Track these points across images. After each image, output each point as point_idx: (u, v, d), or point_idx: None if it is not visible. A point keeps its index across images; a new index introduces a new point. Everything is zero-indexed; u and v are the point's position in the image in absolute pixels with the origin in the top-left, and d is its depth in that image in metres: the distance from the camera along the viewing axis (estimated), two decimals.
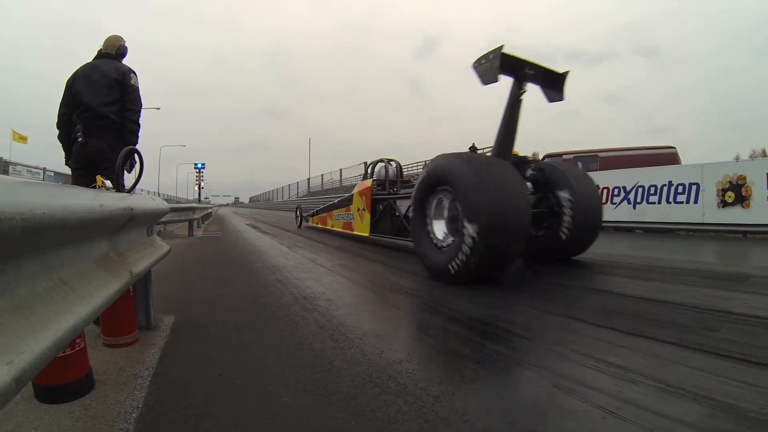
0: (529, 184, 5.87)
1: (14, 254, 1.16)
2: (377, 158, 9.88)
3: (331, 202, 11.93)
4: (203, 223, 18.85)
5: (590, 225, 5.74)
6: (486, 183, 4.36)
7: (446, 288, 4.39)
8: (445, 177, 4.97)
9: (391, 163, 9.62)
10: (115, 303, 2.82)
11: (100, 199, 1.68)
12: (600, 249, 7.60)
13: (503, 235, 4.27)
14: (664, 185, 9.88)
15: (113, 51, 4.24)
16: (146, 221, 2.91)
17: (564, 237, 5.59)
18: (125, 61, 4.34)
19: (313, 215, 13.86)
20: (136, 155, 3.40)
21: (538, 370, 2.32)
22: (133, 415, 2.00)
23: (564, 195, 5.65)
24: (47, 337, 1.16)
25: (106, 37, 4.30)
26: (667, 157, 13.75)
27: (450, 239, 4.94)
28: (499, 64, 5.17)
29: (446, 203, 5.17)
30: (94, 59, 4.18)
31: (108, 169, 3.78)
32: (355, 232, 9.53)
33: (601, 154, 15.51)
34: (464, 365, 2.43)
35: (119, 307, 2.84)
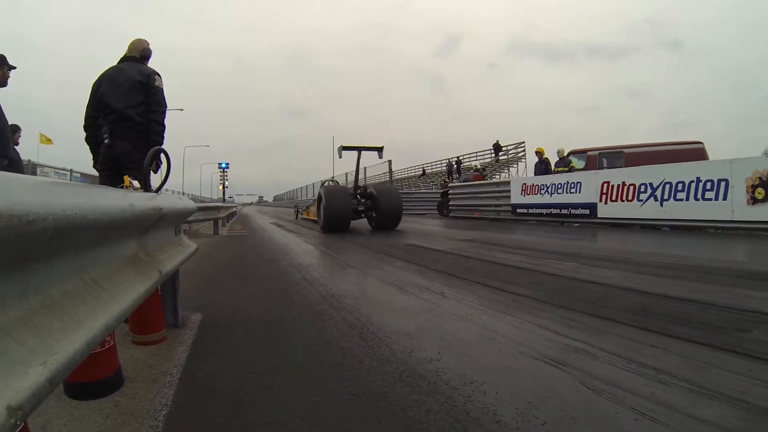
0: (360, 198, 13.22)
1: (46, 255, 1.18)
2: (329, 177, 20.56)
3: (307, 203, 21.17)
4: (228, 221, 19.04)
5: (392, 213, 12.47)
6: (329, 196, 11.88)
7: (460, 293, 4.35)
8: (321, 195, 12.39)
9: (333, 181, 17.08)
10: (144, 301, 2.88)
11: (130, 199, 1.69)
12: (626, 246, 7.49)
13: (333, 215, 11.67)
14: (692, 181, 9.58)
15: (137, 54, 4.32)
16: (174, 220, 2.94)
17: (380, 218, 12.52)
18: (150, 64, 4.40)
19: (303, 210, 20.68)
20: (162, 155, 3.45)
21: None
22: (163, 412, 2.02)
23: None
24: (80, 338, 1.18)
25: (131, 41, 4.40)
26: (694, 152, 13.43)
27: (323, 216, 12.15)
28: (341, 151, 13.38)
29: (324, 203, 12.10)
30: (118, 62, 4.26)
31: (135, 169, 3.85)
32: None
33: (626, 150, 15.20)
34: None
35: (147, 306, 2.87)
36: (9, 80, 5.20)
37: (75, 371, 2.17)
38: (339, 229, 11.80)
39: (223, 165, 49.66)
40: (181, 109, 38.41)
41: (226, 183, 51.13)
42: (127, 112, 4.00)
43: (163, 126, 4.22)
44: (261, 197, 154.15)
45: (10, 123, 7.18)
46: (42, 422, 1.94)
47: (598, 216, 11.48)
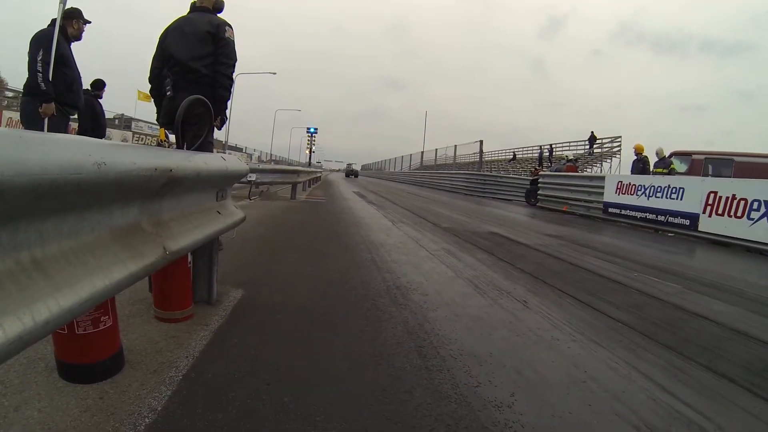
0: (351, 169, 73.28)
1: None
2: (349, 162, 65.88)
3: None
4: (309, 186, 19.00)
5: (355, 174, 65.13)
6: (346, 170, 71.93)
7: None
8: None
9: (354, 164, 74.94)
10: (170, 274, 2.48)
11: (101, 154, 1.22)
12: (733, 272, 6.49)
13: (345, 173, 66.27)
14: None
15: (210, 5, 3.95)
16: (209, 184, 2.50)
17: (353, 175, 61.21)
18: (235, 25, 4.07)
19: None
20: (203, 106, 3.03)
21: None
22: (147, 419, 1.65)
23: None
24: None
25: None
26: None
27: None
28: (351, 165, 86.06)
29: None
30: (188, 12, 3.92)
31: (196, 124, 3.54)
32: None
33: (737, 158, 13.39)
34: None
35: (173, 279, 2.50)
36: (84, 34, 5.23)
37: (65, 351, 1.84)
38: (348, 176, 59.21)
39: (312, 130, 50.05)
40: (274, 73, 39.10)
41: (314, 148, 51.75)
42: (192, 64, 3.68)
43: (232, 80, 3.89)
44: (349, 165, 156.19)
45: (98, 78, 7.63)
46: (19, 401, 1.69)
47: (699, 229, 10.03)
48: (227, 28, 3.78)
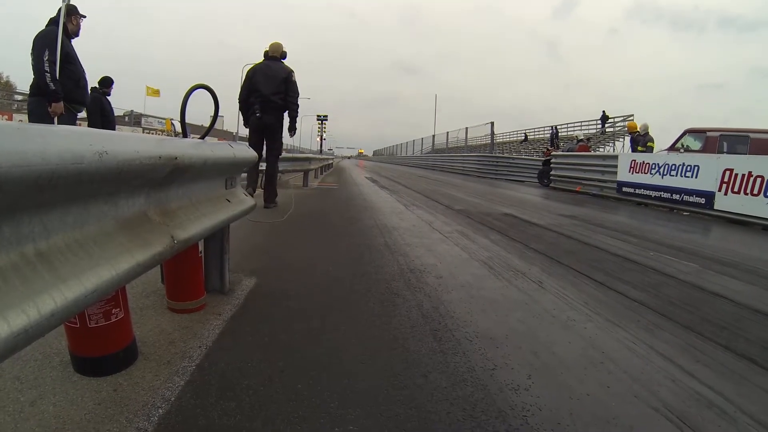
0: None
1: None
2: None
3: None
4: (321, 173, 18.97)
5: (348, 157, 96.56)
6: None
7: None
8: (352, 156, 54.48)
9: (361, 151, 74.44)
10: (181, 264, 2.47)
11: (102, 143, 1.20)
12: (750, 251, 6.38)
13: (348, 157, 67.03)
14: None
15: (278, 54, 6.78)
16: (217, 172, 2.47)
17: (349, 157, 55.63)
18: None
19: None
20: (213, 98, 3.07)
21: None
22: (160, 410, 1.64)
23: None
24: None
25: (271, 43, 6.88)
26: None
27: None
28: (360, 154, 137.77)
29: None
30: (265, 60, 6.77)
31: (272, 137, 6.86)
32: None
33: (752, 135, 13.06)
34: None
35: (185, 269, 2.50)
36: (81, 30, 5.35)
37: (79, 343, 1.84)
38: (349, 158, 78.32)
39: (322, 117, 49.93)
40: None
41: (324, 135, 51.53)
42: (271, 97, 6.49)
43: (298, 105, 6.75)
44: (360, 152, 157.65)
45: (106, 75, 7.78)
46: (34, 396, 1.69)
47: (715, 207, 9.82)
48: (293, 73, 6.68)
